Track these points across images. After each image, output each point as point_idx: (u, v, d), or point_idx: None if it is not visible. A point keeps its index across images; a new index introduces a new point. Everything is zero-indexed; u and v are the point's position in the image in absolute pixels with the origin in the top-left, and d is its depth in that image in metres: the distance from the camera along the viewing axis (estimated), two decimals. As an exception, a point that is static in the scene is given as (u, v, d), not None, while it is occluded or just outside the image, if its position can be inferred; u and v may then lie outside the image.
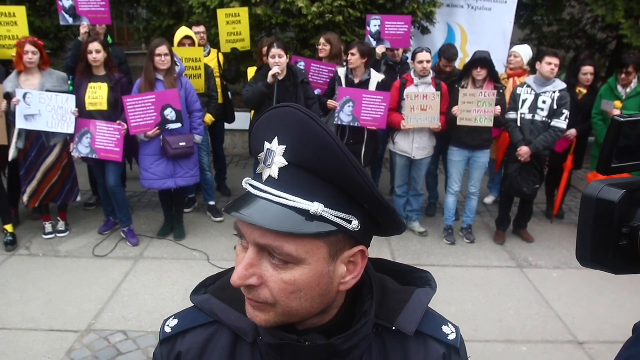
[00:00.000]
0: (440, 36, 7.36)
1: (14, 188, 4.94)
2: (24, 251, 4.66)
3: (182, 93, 4.55)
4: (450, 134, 4.88)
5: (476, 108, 4.58)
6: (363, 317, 0.80)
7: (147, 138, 4.49)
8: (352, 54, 4.78)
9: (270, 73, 4.40)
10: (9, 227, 4.72)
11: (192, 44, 5.12)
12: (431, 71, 4.83)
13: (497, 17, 7.19)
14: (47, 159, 4.59)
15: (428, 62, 4.69)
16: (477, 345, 3.48)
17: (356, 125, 4.78)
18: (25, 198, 4.65)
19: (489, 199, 6.14)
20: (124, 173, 5.04)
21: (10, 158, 4.54)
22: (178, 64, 4.61)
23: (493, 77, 4.72)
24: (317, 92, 5.08)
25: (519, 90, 4.74)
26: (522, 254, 4.88)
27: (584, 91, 5.18)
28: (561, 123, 4.59)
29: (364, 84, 4.89)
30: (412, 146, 4.86)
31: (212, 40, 6.09)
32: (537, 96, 4.64)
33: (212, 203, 5.50)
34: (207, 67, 5.14)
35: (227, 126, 5.94)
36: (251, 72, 5.08)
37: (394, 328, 0.83)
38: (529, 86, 4.69)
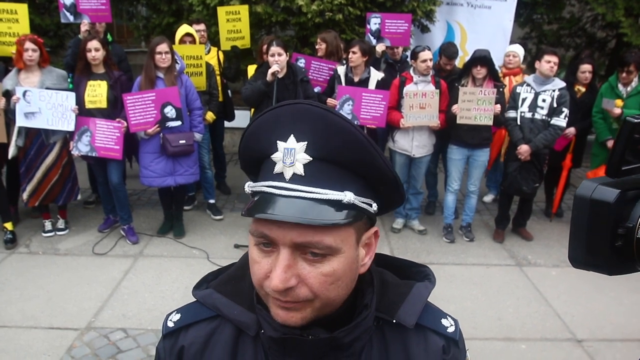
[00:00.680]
0: (439, 34, 7.35)
1: (13, 186, 4.93)
2: (23, 249, 4.66)
3: (182, 91, 4.55)
4: (449, 132, 4.88)
5: (476, 106, 4.58)
6: (364, 310, 0.81)
7: (147, 136, 4.49)
8: (354, 52, 4.78)
9: (270, 71, 4.40)
10: (8, 225, 4.72)
11: (193, 41, 5.11)
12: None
13: (497, 15, 7.18)
14: (47, 157, 4.59)
15: (430, 60, 4.69)
16: (476, 343, 3.49)
17: (355, 123, 4.77)
18: (24, 196, 4.65)
19: (488, 197, 6.14)
20: (123, 171, 5.03)
21: (10, 156, 4.53)
22: (178, 61, 4.61)
23: (493, 75, 4.72)
24: (317, 89, 5.08)
25: (518, 89, 4.74)
26: (521, 252, 4.89)
27: (583, 89, 5.18)
28: (561, 121, 4.59)
29: (364, 83, 4.89)
30: (412, 144, 4.86)
31: (212, 38, 6.09)
32: (536, 94, 4.64)
33: (211, 201, 5.50)
34: (208, 64, 5.14)
35: (226, 124, 5.94)
36: (251, 70, 5.08)
37: (394, 321, 0.84)
38: (528, 85, 4.70)
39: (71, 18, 5.22)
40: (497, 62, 5.23)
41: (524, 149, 4.63)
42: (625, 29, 7.08)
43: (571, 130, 5.04)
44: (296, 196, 0.70)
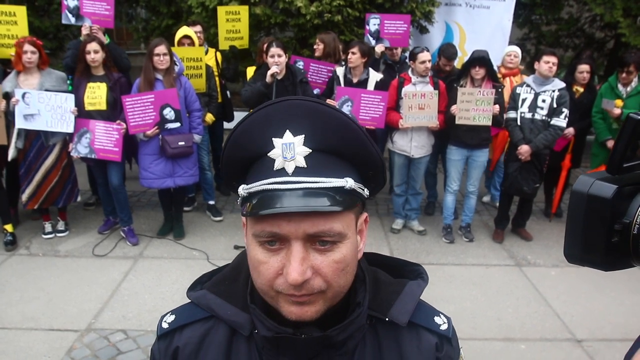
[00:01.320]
0: (438, 35, 7.36)
1: (13, 188, 4.94)
2: (23, 251, 4.67)
3: (181, 92, 4.56)
4: (449, 133, 4.89)
5: (474, 107, 4.58)
6: (357, 307, 0.82)
7: (146, 137, 4.49)
8: (353, 53, 4.79)
9: (269, 72, 4.40)
10: (8, 227, 4.72)
11: (191, 43, 5.12)
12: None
13: (496, 15, 7.20)
14: (47, 159, 4.59)
15: (429, 61, 4.70)
16: (475, 344, 3.49)
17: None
18: (23, 198, 4.65)
19: (488, 198, 6.15)
20: (123, 172, 5.03)
21: (9, 158, 4.54)
22: (177, 63, 4.62)
23: (491, 76, 4.73)
24: (316, 91, 5.09)
25: (518, 90, 4.75)
26: (520, 253, 4.90)
27: (581, 89, 5.19)
28: (561, 121, 4.60)
29: (363, 84, 4.89)
30: (411, 145, 4.87)
31: (211, 40, 6.09)
32: (536, 95, 4.65)
33: (211, 202, 5.51)
34: (207, 66, 5.15)
35: (225, 125, 5.94)
36: (250, 71, 5.09)
37: (387, 319, 0.84)
38: (528, 85, 4.70)
39: (72, 20, 5.22)
40: (496, 62, 5.24)
41: (524, 149, 4.63)
42: (623, 29, 7.09)
43: (570, 130, 5.04)
44: (300, 188, 0.71)
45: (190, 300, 0.91)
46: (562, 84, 4.67)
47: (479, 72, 4.63)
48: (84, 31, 5.00)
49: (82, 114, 4.47)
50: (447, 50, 5.40)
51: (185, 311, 0.90)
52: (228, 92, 5.86)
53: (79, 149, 4.50)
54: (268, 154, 0.73)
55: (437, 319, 0.90)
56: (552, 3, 8.81)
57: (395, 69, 5.65)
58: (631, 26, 7.12)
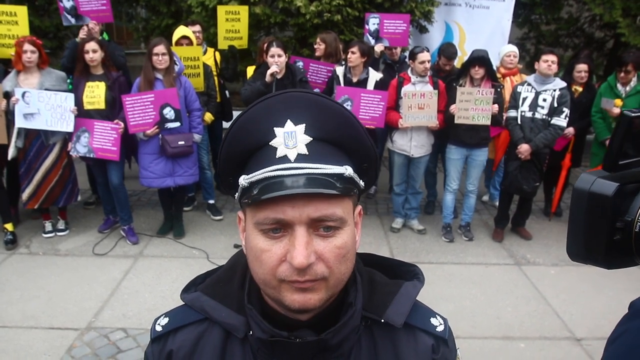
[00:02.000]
0: (438, 34, 7.37)
1: (13, 187, 4.94)
2: (24, 250, 4.67)
3: (181, 92, 4.56)
4: (448, 132, 4.89)
5: (474, 106, 4.59)
6: (349, 308, 0.81)
7: (146, 137, 4.50)
8: (352, 52, 4.79)
9: (268, 72, 4.41)
10: (9, 226, 4.73)
11: (190, 43, 5.12)
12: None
13: (495, 15, 7.20)
14: (47, 159, 4.60)
15: (428, 61, 4.71)
16: (475, 342, 3.49)
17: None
18: (24, 197, 4.66)
19: (487, 197, 6.15)
20: (122, 171, 5.03)
21: (9, 157, 4.54)
22: (177, 63, 4.62)
23: (491, 75, 4.73)
24: (315, 91, 5.08)
25: (519, 88, 4.76)
26: (520, 251, 4.90)
27: (580, 89, 5.19)
28: (561, 121, 4.61)
29: (362, 83, 4.90)
30: (410, 144, 4.87)
31: (211, 40, 6.09)
32: (537, 94, 4.65)
33: (211, 201, 5.51)
34: (206, 66, 5.15)
35: (224, 125, 5.94)
36: (250, 70, 5.09)
37: (382, 321, 0.84)
38: (529, 84, 4.71)
39: (73, 20, 5.23)
40: (495, 62, 5.25)
41: (524, 148, 4.64)
42: (622, 29, 7.09)
43: (570, 130, 5.04)
44: (303, 174, 0.72)
45: (184, 303, 0.90)
46: (564, 84, 4.68)
47: (478, 72, 4.63)
48: (81, 34, 4.98)
49: (81, 113, 4.47)
50: (447, 50, 5.41)
51: (179, 314, 0.90)
52: (227, 92, 5.86)
53: (78, 148, 4.51)
54: (270, 143, 0.74)
55: (433, 320, 0.89)
56: (551, 3, 8.81)
57: (394, 68, 5.65)
58: (630, 26, 7.13)
